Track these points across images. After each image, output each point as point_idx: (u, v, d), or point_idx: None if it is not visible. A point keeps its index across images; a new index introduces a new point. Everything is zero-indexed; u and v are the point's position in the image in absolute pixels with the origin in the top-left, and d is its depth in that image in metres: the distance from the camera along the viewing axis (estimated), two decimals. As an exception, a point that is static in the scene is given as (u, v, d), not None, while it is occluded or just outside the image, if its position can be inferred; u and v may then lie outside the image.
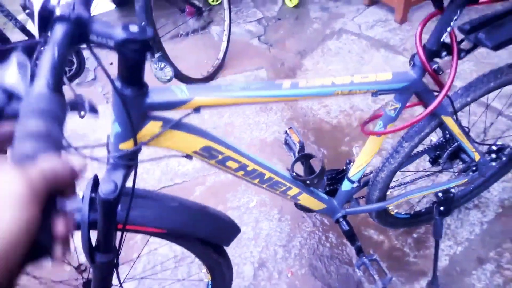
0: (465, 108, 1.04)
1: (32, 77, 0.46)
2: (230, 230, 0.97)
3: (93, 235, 0.73)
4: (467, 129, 1.08)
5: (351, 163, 1.12)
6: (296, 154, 1.14)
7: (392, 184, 1.22)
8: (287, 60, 2.31)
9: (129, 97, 0.60)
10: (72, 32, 0.49)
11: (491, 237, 1.45)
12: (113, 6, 2.76)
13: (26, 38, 1.73)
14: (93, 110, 0.56)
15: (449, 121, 1.01)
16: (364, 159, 1.05)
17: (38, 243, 0.29)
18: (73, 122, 0.51)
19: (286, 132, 1.19)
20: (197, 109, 0.69)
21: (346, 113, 1.94)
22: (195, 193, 1.66)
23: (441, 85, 0.89)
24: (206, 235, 0.92)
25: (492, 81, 1.01)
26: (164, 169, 1.76)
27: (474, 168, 1.23)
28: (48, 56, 0.46)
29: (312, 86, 0.77)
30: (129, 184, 0.70)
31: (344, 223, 1.17)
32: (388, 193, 1.22)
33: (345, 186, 1.13)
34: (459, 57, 0.85)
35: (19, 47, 0.51)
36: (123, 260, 0.84)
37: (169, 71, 1.60)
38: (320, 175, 0.98)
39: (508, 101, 1.63)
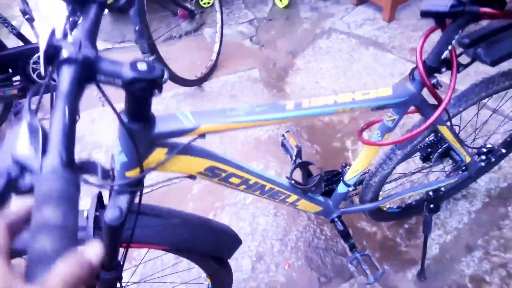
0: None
1: (44, 141, 0.43)
2: (231, 242, 0.98)
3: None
4: (457, 128, 1.10)
5: (347, 167, 1.14)
6: (293, 157, 1.17)
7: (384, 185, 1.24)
8: (279, 60, 2.36)
9: (137, 131, 0.60)
10: (80, 74, 0.47)
11: (478, 225, 1.51)
12: (106, 10, 2.77)
13: (22, 43, 1.76)
14: (106, 175, 0.56)
15: (443, 129, 1.03)
16: (360, 165, 1.06)
17: None
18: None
19: (283, 135, 1.21)
20: (202, 135, 0.69)
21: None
22: (192, 191, 1.70)
23: (439, 99, 0.90)
24: (207, 249, 0.93)
25: (483, 91, 1.02)
26: (161, 169, 1.79)
27: (464, 168, 1.27)
28: (58, 117, 0.43)
29: (315, 106, 0.78)
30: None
31: (339, 223, 1.18)
32: (380, 192, 1.25)
33: (341, 189, 1.14)
34: (458, 71, 0.85)
35: (28, 97, 0.48)
36: (124, 265, 0.85)
37: (163, 74, 1.63)
38: (318, 183, 1.01)
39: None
